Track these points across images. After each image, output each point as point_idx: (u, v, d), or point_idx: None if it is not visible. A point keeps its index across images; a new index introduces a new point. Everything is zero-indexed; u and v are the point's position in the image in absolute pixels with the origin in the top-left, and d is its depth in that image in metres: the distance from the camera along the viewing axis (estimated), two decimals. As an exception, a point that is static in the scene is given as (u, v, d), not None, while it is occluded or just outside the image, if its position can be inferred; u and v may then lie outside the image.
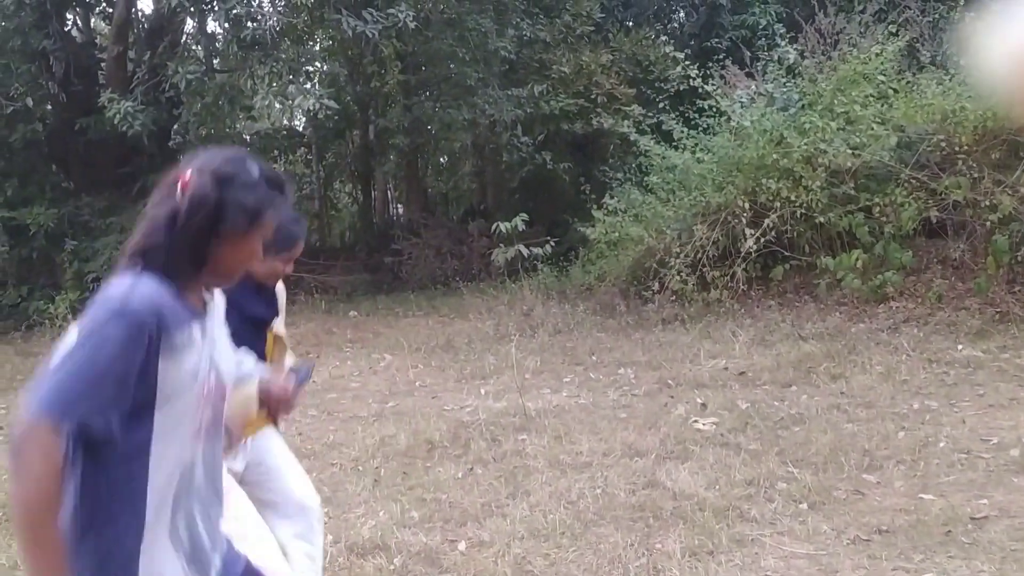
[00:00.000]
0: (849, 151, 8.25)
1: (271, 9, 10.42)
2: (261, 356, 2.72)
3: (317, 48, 15.71)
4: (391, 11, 10.11)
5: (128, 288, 1.56)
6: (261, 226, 1.70)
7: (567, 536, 3.89)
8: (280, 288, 2.85)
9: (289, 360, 2.90)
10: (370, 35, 9.88)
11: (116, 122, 10.68)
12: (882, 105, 8.45)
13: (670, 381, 6.81)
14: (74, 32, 14.15)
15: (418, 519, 4.29)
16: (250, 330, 2.63)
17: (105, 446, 1.52)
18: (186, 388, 1.60)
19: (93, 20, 14.79)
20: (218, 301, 1.84)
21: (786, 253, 9.04)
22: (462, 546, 3.90)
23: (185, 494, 1.65)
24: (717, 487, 4.34)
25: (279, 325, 2.84)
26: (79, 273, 12.39)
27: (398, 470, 5.13)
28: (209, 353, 1.68)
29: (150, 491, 1.58)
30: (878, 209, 8.20)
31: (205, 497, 1.70)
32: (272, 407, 2.32)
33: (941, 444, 4.74)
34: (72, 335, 1.53)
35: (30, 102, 11.54)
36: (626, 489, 4.42)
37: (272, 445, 2.88)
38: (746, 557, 3.51)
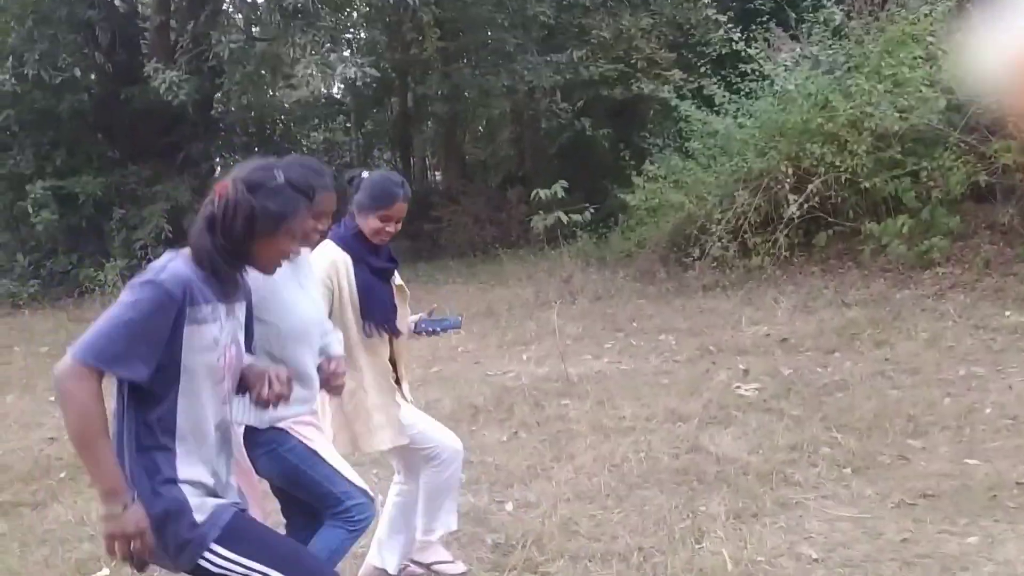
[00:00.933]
0: (896, 114, 8.11)
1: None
2: (390, 302, 3.03)
3: (356, 15, 15.71)
4: (431, -23, 10.08)
5: (163, 264, 1.90)
6: (289, 226, 2.00)
7: (612, 498, 3.96)
8: (389, 248, 3.10)
9: (411, 314, 3.26)
10: (410, 2, 9.86)
11: (162, 92, 10.83)
12: (931, 67, 8.26)
13: (711, 347, 6.83)
14: (117, 2, 14.31)
15: (465, 481, 4.35)
16: (378, 281, 2.98)
17: (140, 392, 1.87)
18: (207, 354, 1.92)
19: (135, -10, 14.94)
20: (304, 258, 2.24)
21: (830, 219, 8.94)
22: (509, 507, 3.99)
23: (212, 445, 1.99)
24: (760, 451, 4.37)
25: (397, 276, 3.12)
26: (127, 241, 12.67)
27: (444, 433, 5.23)
28: (232, 330, 2.01)
29: (178, 438, 1.92)
30: (925, 174, 8.07)
31: (222, 450, 2.04)
32: (324, 379, 2.56)
33: (987, 410, 4.72)
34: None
35: (77, 72, 11.75)
36: (669, 453, 4.48)
37: (411, 410, 3.15)
38: (790, 520, 3.55)
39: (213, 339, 1.93)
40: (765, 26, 10.33)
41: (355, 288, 2.90)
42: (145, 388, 1.87)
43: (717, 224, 9.17)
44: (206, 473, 1.98)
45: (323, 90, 17.77)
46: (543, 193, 11.26)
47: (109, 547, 1.84)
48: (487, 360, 7.24)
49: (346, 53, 13.37)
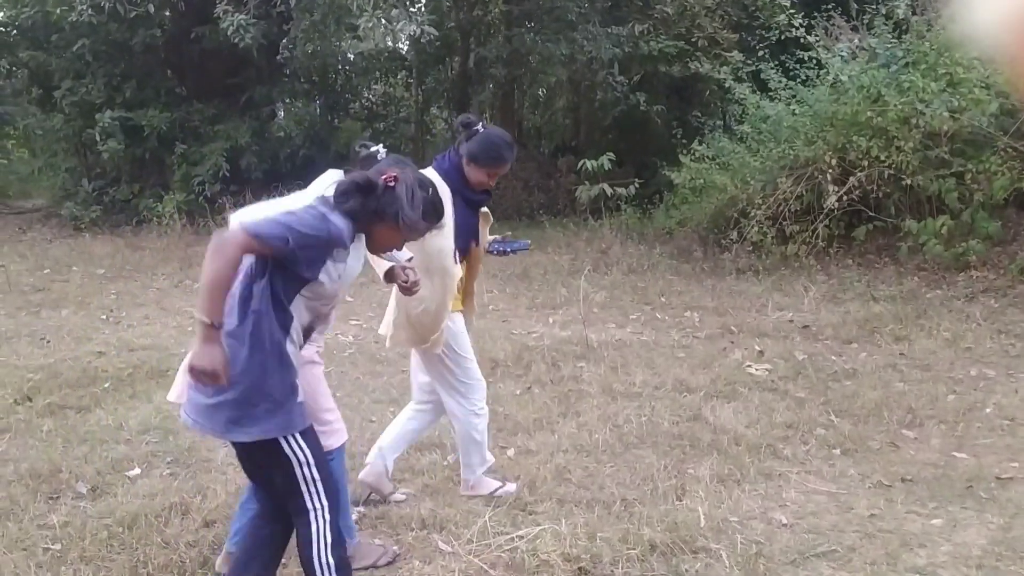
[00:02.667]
0: (947, 114, 8.08)
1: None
2: (474, 230, 3.52)
3: (425, -28, 15.84)
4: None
5: (330, 209, 2.44)
6: (403, 231, 2.53)
7: (607, 454, 4.20)
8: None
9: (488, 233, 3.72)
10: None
11: (229, 33, 11.14)
12: (986, 69, 8.19)
13: (733, 328, 6.98)
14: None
15: (474, 425, 4.65)
16: (470, 213, 3.44)
17: (288, 280, 2.38)
18: (330, 283, 2.46)
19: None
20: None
21: (871, 213, 8.96)
22: (511, 452, 4.26)
23: (306, 337, 2.56)
24: (757, 426, 4.56)
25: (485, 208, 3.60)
26: (187, 176, 13.12)
27: (462, 382, 5.50)
28: (344, 267, 2.51)
29: (291, 330, 2.44)
30: (970, 176, 8.05)
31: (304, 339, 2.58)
32: (400, 285, 3.02)
33: (987, 410, 4.83)
34: (291, 202, 2.55)
35: (151, 8, 12.07)
36: (670, 420, 4.69)
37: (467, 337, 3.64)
38: (770, 489, 3.76)
39: (338, 274, 2.47)
40: (828, 14, 10.27)
41: (451, 218, 3.19)
42: (285, 278, 2.37)
43: (757, 209, 9.25)
44: (294, 353, 2.47)
45: (390, 44, 17.94)
46: (590, 164, 11.43)
47: (193, 376, 2.30)
48: (515, 319, 7.49)
49: (412, 9, 13.57)
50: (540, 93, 18.83)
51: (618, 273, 9.36)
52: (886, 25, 9.36)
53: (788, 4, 10.69)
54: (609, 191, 11.26)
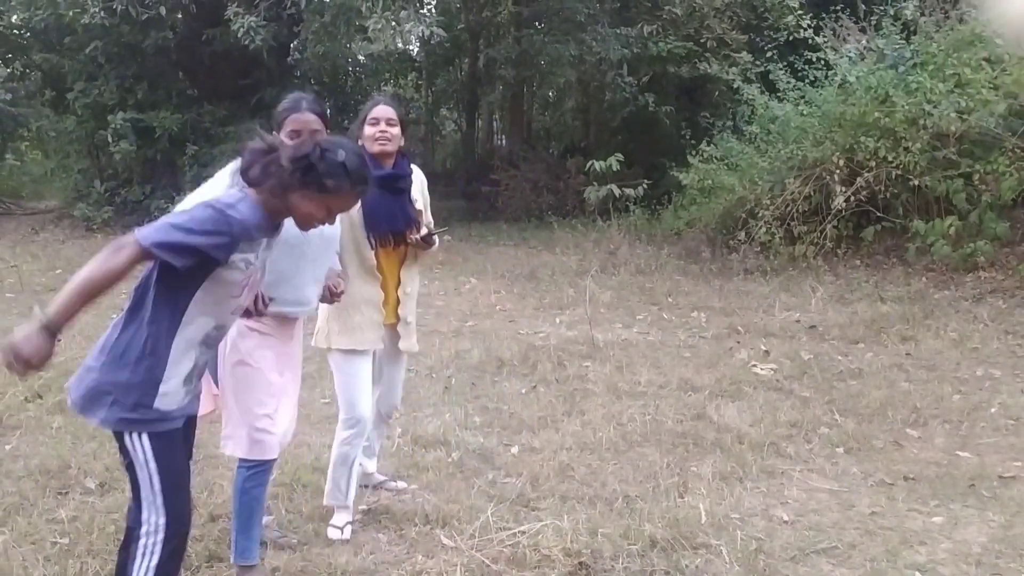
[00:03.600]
0: (955, 115, 8.07)
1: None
2: (409, 219, 3.30)
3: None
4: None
5: (235, 200, 2.22)
6: (327, 196, 2.29)
7: (611, 451, 4.22)
8: (419, 175, 3.47)
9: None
10: (483, -34, 10.05)
11: (239, 35, 11.23)
12: (994, 70, 8.19)
13: (740, 328, 6.99)
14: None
15: (479, 423, 4.69)
16: (383, 193, 3.17)
17: (172, 277, 2.18)
18: (235, 272, 2.26)
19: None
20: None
21: (879, 214, 8.96)
22: (515, 449, 4.28)
23: (210, 341, 2.36)
24: (761, 425, 4.58)
25: (417, 202, 3.41)
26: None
27: (468, 381, 5.55)
28: (264, 258, 2.35)
29: (181, 330, 2.25)
30: (978, 176, 8.04)
31: (208, 351, 2.38)
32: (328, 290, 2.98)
33: (992, 409, 4.83)
34: (188, 202, 2.37)
35: (163, 10, 12.17)
36: (674, 418, 4.71)
37: (393, 352, 3.55)
38: (772, 486, 3.78)
39: (245, 263, 2.26)
40: (836, 15, 10.27)
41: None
42: (174, 279, 2.18)
43: (765, 209, 9.26)
44: (189, 362, 2.28)
45: (400, 45, 18.04)
46: (598, 165, 11.43)
47: (6, 356, 2.06)
48: (521, 320, 7.52)
49: (423, 12, 13.63)
50: (549, 94, 18.93)
51: (626, 274, 9.38)
52: (894, 26, 9.37)
53: (796, 5, 10.73)
54: (618, 192, 11.26)
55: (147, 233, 2.11)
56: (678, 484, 3.77)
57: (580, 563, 3.00)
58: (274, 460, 2.92)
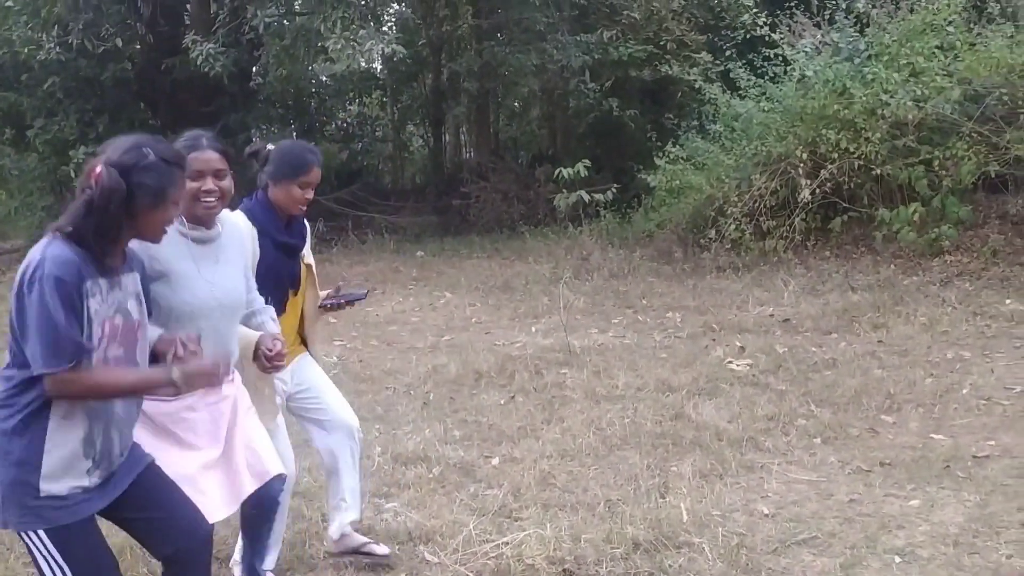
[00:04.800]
0: (912, 103, 8.19)
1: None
2: (295, 280, 3.07)
3: (393, -8, 15.95)
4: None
5: (39, 256, 1.99)
6: (168, 197, 2.12)
7: (591, 457, 4.24)
8: (304, 225, 3.14)
9: (319, 292, 3.22)
10: (440, -20, 10.10)
11: (199, 63, 11.18)
12: (947, 57, 8.33)
13: (714, 325, 7.05)
14: (162, -26, 14.69)
15: (459, 437, 4.69)
16: (282, 257, 2.99)
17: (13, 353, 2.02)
18: (89, 326, 2.02)
19: (179, -38, 15.31)
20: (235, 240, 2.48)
21: (845, 205, 9.06)
22: (495, 461, 4.29)
23: (100, 413, 2.10)
24: (738, 421, 4.62)
25: (308, 255, 3.14)
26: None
27: (446, 395, 5.55)
28: (117, 302, 2.11)
29: (55, 406, 2.03)
30: (938, 162, 8.15)
31: (122, 416, 2.15)
32: (260, 360, 2.66)
33: (964, 391, 4.92)
34: (11, 301, 2.03)
35: (119, 42, 12.10)
36: (653, 420, 4.74)
37: (313, 372, 3.19)
38: (752, 481, 3.81)
39: (95, 311, 2.03)
40: (791, 12, 10.41)
41: (255, 262, 2.87)
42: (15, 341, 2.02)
43: (734, 206, 9.34)
44: (77, 432, 2.06)
45: (362, 64, 18.06)
46: (566, 172, 11.47)
47: (196, 385, 2.16)
48: (497, 331, 7.53)
49: (383, 30, 13.64)
50: (515, 105, 18.96)
51: (599, 279, 9.42)
52: (847, 20, 9.50)
53: (752, 4, 10.83)
54: (587, 198, 11.25)
55: (47, 363, 1.96)
56: (659, 485, 3.79)
57: (564, 570, 3.02)
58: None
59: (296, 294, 3.10)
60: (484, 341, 7.08)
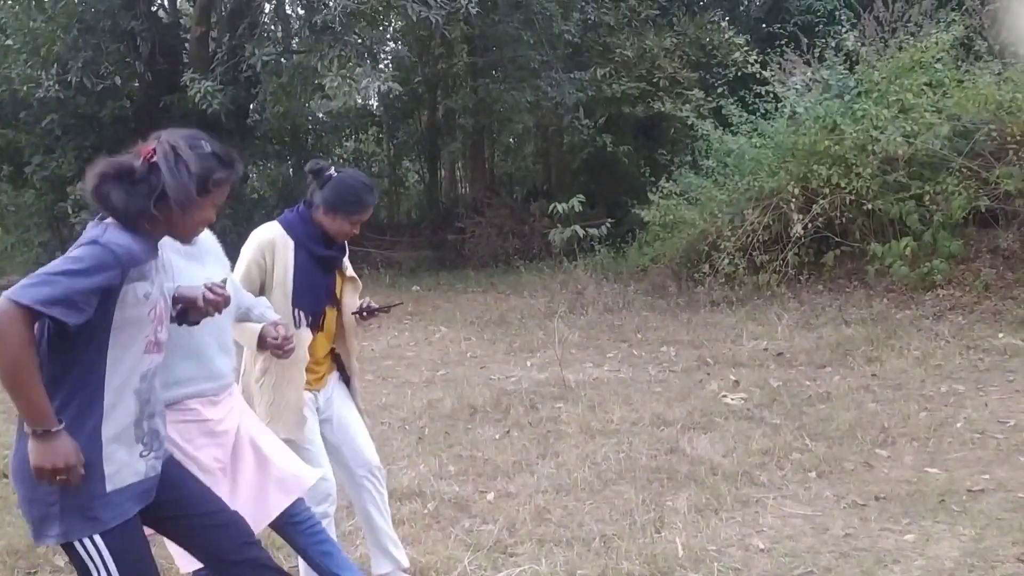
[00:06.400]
0: (902, 139, 8.29)
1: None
2: (332, 294, 3.10)
3: (391, 30, 16.16)
4: (455, -3, 10.47)
5: (103, 231, 2.00)
6: (210, 192, 2.09)
7: (586, 491, 4.23)
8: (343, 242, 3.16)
9: (357, 299, 3.24)
10: (433, 20, 10.25)
11: (197, 100, 11.29)
12: (936, 94, 8.46)
13: (709, 359, 7.06)
14: (160, 13, 14.88)
15: (454, 472, 4.68)
16: (318, 271, 3.02)
17: (68, 339, 1.93)
18: (139, 308, 2.02)
19: (179, 1, 15.50)
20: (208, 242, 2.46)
21: (838, 239, 9.13)
22: (491, 496, 4.28)
23: (150, 396, 2.10)
24: (733, 455, 4.62)
25: (348, 268, 3.18)
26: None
27: (441, 430, 5.54)
28: (161, 283, 2.11)
29: (107, 388, 2.00)
30: (928, 197, 8.24)
31: (159, 400, 2.15)
32: (270, 346, 2.70)
33: (958, 424, 4.92)
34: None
35: (118, 80, 12.26)
36: (648, 454, 4.74)
37: (344, 407, 3.24)
38: (747, 515, 3.80)
39: (145, 294, 2.02)
40: (781, 50, 10.57)
41: (291, 273, 2.93)
42: (72, 339, 1.93)
43: (727, 241, 9.41)
44: (127, 417, 2.04)
45: (359, 101, 18.25)
46: (561, 207, 11.56)
47: (39, 478, 1.89)
48: (493, 365, 7.53)
49: (381, 67, 13.80)
50: (509, 140, 19.13)
51: (594, 313, 9.44)
52: (837, 57, 9.65)
53: (743, 42, 11.01)
54: (582, 232, 11.35)
55: (22, 291, 1.83)
56: (654, 519, 3.78)
57: (559, 606, 3.00)
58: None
59: (333, 308, 3.12)
60: (479, 375, 7.08)
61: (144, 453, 2.09)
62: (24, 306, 1.81)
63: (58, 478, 1.90)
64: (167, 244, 2.27)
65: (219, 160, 2.10)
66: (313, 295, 3.00)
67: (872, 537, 3.47)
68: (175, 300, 2.20)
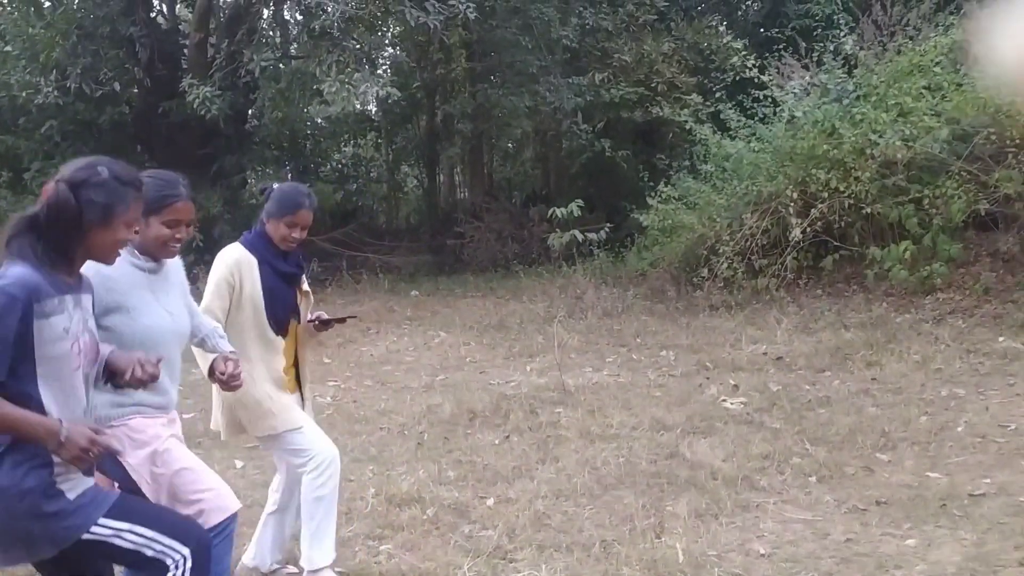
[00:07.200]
0: (901, 142, 8.29)
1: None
2: (293, 306, 3.33)
3: (389, 35, 16.19)
4: (452, 2, 10.46)
5: (2, 271, 2.01)
6: (117, 217, 2.11)
7: (586, 496, 4.22)
8: (299, 255, 3.38)
9: (309, 313, 3.46)
10: (431, 25, 10.26)
11: (195, 106, 11.29)
12: (935, 97, 8.45)
13: (708, 364, 7.05)
14: (159, 19, 14.88)
15: (454, 478, 4.67)
16: (282, 285, 3.27)
17: (5, 395, 1.95)
18: (60, 343, 2.04)
19: (177, 7, 15.51)
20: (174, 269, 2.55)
21: (836, 243, 9.13)
22: (490, 501, 4.26)
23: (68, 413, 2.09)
24: (733, 459, 4.60)
25: (304, 283, 3.41)
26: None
27: (440, 435, 5.52)
28: (82, 319, 2.13)
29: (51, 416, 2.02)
30: (928, 200, 8.23)
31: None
32: (218, 380, 2.79)
33: (959, 428, 4.91)
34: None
35: (117, 86, 12.24)
36: (648, 459, 4.73)
37: (302, 413, 3.39)
38: (747, 520, 3.79)
39: (63, 329, 2.04)
40: (779, 54, 10.58)
41: (259, 287, 3.17)
42: (9, 389, 1.97)
43: (726, 245, 9.40)
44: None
45: (357, 107, 18.28)
46: (559, 211, 11.56)
47: (77, 465, 2.02)
48: (492, 370, 7.52)
49: (379, 72, 13.80)
50: (508, 145, 19.15)
51: (593, 317, 9.43)
52: (835, 61, 9.65)
53: (740, 47, 11.01)
54: (581, 237, 11.35)
55: None
56: (654, 525, 3.77)
57: (559, 612, 2.98)
58: (226, 520, 2.54)
59: (299, 321, 3.37)
60: (479, 380, 7.06)
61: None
62: None
63: (92, 455, 2.00)
64: (135, 281, 2.41)
65: (119, 182, 2.13)
66: (281, 305, 3.26)
67: (873, 542, 3.45)
68: (106, 364, 2.24)
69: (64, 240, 2.06)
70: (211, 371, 2.81)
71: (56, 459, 2.03)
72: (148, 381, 2.24)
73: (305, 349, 3.45)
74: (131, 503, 2.25)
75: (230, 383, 2.74)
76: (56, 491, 2.05)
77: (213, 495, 2.53)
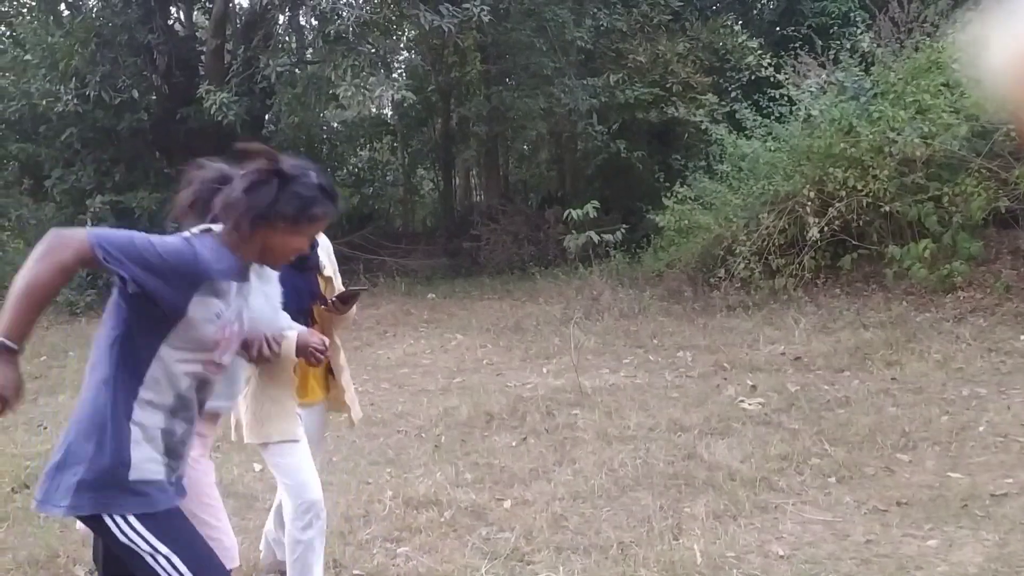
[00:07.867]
0: (919, 140, 8.23)
1: (355, 3, 10.89)
2: (313, 293, 3.13)
3: (404, 39, 16.24)
4: (466, 5, 10.48)
5: (199, 236, 2.02)
6: (306, 221, 2.07)
7: (604, 498, 4.21)
8: (323, 239, 3.15)
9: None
10: (446, 29, 10.28)
11: (212, 112, 11.37)
12: (953, 94, 8.38)
13: (726, 364, 7.02)
14: (177, 27, 15.01)
15: (471, 480, 4.67)
16: (291, 269, 2.88)
17: (132, 327, 1.95)
18: (207, 325, 1.99)
19: (194, 14, 15.64)
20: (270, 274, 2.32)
21: (855, 242, 9.07)
22: (507, 504, 4.26)
23: (186, 407, 2.05)
24: (751, 460, 4.58)
25: (328, 268, 3.22)
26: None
27: (457, 438, 5.53)
28: (238, 308, 2.09)
29: (146, 381, 1.97)
30: (947, 198, 8.16)
31: (185, 414, 2.07)
32: (303, 352, 2.79)
33: (980, 428, 4.86)
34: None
35: (135, 93, 12.35)
36: (665, 460, 4.71)
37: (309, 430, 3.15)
38: (766, 522, 3.77)
39: (216, 313, 1.99)
40: (795, 52, 10.52)
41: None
42: (141, 323, 1.94)
43: (743, 245, 9.36)
44: (160, 426, 2.00)
45: (373, 110, 18.34)
46: (575, 213, 11.55)
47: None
48: (509, 372, 7.51)
49: (395, 76, 13.85)
50: (524, 147, 19.15)
51: (610, 319, 9.41)
52: (852, 59, 9.59)
53: (756, 46, 10.97)
54: (597, 238, 11.33)
55: (100, 232, 1.87)
56: (672, 526, 3.76)
57: (577, 614, 2.97)
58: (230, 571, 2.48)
59: (319, 305, 3.17)
60: (495, 383, 7.07)
61: (167, 462, 2.03)
62: (91, 245, 1.84)
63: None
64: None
65: (324, 192, 2.10)
66: (295, 292, 2.97)
67: (894, 543, 3.42)
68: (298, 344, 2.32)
69: (255, 220, 2.01)
70: (298, 349, 2.78)
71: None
72: (271, 360, 2.30)
73: (331, 332, 3.20)
74: (172, 519, 2.04)
75: (323, 354, 2.77)
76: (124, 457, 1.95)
77: (221, 536, 2.45)
